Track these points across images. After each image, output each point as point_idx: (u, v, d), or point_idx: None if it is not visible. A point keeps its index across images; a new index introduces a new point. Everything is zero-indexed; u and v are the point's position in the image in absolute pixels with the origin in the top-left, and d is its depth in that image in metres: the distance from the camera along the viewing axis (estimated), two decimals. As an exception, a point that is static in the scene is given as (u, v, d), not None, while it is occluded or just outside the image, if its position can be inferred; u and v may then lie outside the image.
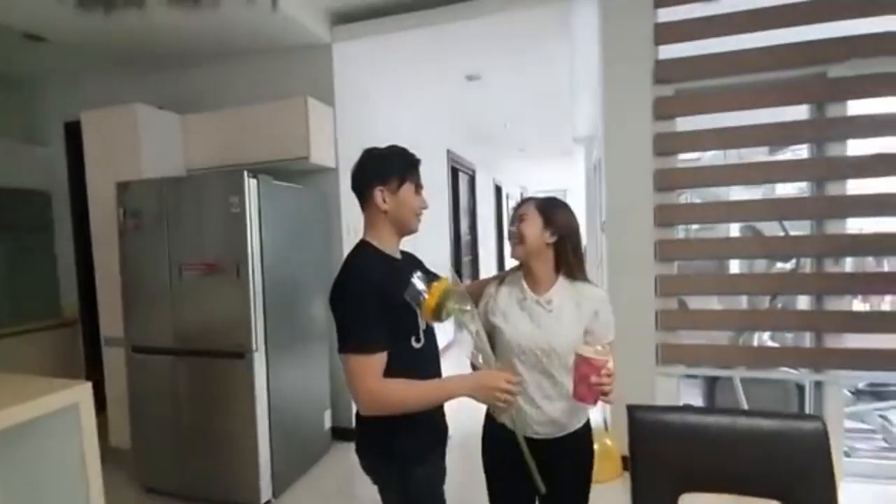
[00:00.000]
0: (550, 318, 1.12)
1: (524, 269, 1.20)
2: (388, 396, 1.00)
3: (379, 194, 1.08)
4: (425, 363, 1.10)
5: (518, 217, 1.17)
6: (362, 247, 1.11)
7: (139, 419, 2.30)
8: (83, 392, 1.43)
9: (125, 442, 2.40)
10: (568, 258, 1.14)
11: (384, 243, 1.11)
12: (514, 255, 1.18)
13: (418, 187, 1.13)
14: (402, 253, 1.19)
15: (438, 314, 0.99)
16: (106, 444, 2.63)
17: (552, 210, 1.15)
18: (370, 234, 1.12)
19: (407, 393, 1.00)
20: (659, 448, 1.06)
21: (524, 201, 1.20)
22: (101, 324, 2.65)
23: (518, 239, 1.15)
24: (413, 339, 1.07)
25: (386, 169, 1.10)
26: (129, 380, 2.31)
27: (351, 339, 0.99)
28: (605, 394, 1.00)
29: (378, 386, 0.99)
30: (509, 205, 9.97)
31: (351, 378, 1.00)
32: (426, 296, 0.98)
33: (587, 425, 1.22)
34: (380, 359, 1.00)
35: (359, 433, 1.15)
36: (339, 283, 1.04)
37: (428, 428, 1.13)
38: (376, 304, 0.99)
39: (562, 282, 1.14)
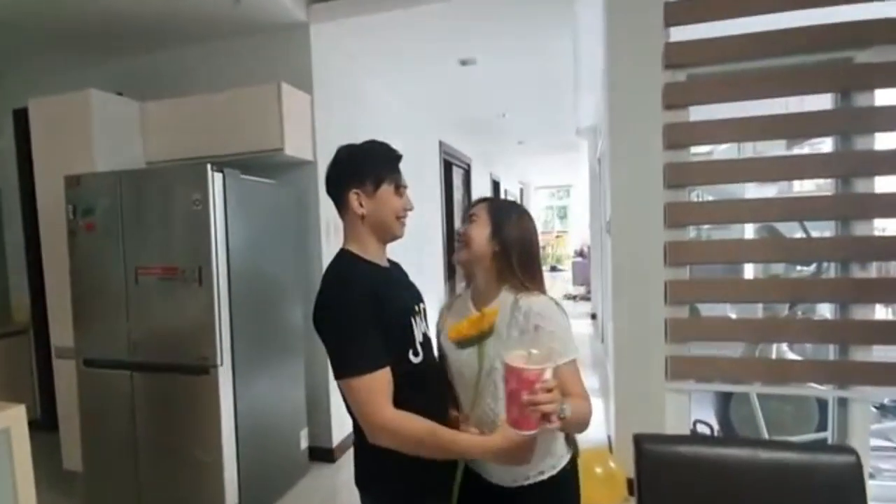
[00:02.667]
0: (490, 337, 1.04)
1: (469, 277, 1.14)
2: (404, 430, 0.93)
3: (354, 198, 1.04)
4: (428, 380, 1.05)
5: (469, 217, 1.11)
6: (343, 256, 1.06)
7: (92, 441, 2.22)
8: (15, 416, 1.34)
9: (81, 465, 2.31)
10: (513, 271, 1.06)
11: (368, 251, 1.06)
12: (456, 258, 1.12)
13: (399, 187, 1.08)
14: (389, 261, 1.15)
15: (471, 342, 1.00)
16: (59, 468, 2.56)
17: (505, 217, 1.09)
18: (351, 242, 1.07)
19: (425, 433, 0.93)
20: (670, 484, 1.00)
21: (479, 201, 1.15)
22: (52, 333, 2.55)
23: (464, 242, 1.09)
24: (411, 352, 1.02)
25: (360, 169, 1.05)
26: (81, 396, 2.23)
27: (350, 361, 0.94)
28: (546, 416, 0.81)
29: (392, 415, 0.93)
30: (508, 201, 9.91)
31: (360, 405, 0.94)
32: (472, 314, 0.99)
33: (566, 475, 1.05)
34: (386, 376, 0.95)
35: (355, 465, 1.10)
36: (324, 301, 0.99)
37: (433, 470, 1.04)
38: (370, 317, 0.94)
39: (505, 294, 1.06)
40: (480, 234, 1.07)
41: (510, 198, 10.32)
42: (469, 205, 1.16)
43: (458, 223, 5.78)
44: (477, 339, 1.03)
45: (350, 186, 1.04)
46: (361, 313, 0.94)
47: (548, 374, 0.81)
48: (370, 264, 1.05)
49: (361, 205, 1.04)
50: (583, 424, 0.97)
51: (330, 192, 1.09)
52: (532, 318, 0.99)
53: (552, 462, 1.05)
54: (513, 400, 0.81)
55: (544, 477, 1.04)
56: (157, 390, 2.09)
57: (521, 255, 1.07)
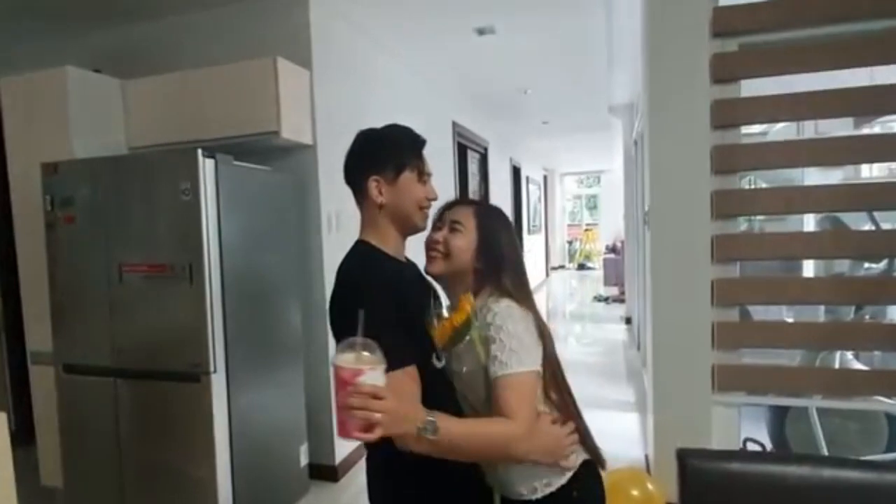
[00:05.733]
0: (462, 348, 1.06)
1: (445, 287, 1.15)
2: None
3: (374, 185, 1.08)
4: (452, 389, 1.08)
5: (449, 224, 1.10)
6: (362, 248, 1.10)
7: (73, 454, 2.30)
8: (-5, 425, 1.39)
9: (60, 480, 2.39)
10: (501, 287, 1.06)
11: (388, 244, 1.11)
12: (428, 270, 1.11)
13: (423, 175, 1.13)
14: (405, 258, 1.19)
15: (459, 337, 0.99)
16: (36, 484, 2.65)
17: (494, 231, 1.10)
18: (369, 234, 1.12)
19: (467, 430, 0.96)
20: (718, 505, 1.02)
21: (458, 203, 1.15)
22: (28, 336, 2.64)
23: (442, 252, 1.08)
24: (434, 357, 1.05)
25: (380, 154, 1.10)
26: (61, 406, 2.31)
27: (387, 354, 0.94)
28: (371, 424, 0.82)
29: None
30: (530, 190, 9.92)
31: None
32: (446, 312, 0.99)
33: (570, 493, 1.05)
34: (416, 373, 0.98)
35: (369, 482, 1.13)
36: (345, 295, 1.03)
37: (462, 487, 1.07)
38: (395, 314, 0.98)
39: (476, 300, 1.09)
40: (465, 246, 1.08)
41: (532, 186, 10.32)
42: (443, 207, 1.14)
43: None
44: (464, 328, 1.02)
45: (369, 173, 1.08)
46: (387, 309, 0.97)
47: (366, 378, 0.82)
48: (391, 259, 1.09)
49: (381, 193, 1.08)
50: (482, 450, 0.96)
51: (348, 179, 1.14)
52: (485, 328, 1.01)
53: (544, 482, 1.05)
54: (337, 401, 0.85)
55: (537, 496, 1.05)
56: (144, 399, 2.15)
57: (514, 272, 1.09)
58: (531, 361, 0.98)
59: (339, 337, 1.03)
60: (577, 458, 1.08)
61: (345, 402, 0.81)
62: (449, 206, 1.14)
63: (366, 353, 0.86)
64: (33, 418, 2.68)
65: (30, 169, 2.40)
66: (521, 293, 1.07)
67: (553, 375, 1.07)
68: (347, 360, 0.84)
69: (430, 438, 0.87)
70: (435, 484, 1.03)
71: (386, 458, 1.01)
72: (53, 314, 2.30)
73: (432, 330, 1.02)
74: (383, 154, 1.09)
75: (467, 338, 1.00)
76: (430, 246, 1.11)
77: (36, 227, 2.41)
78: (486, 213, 1.13)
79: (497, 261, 1.08)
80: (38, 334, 2.54)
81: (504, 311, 1.01)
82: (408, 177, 1.10)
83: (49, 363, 2.38)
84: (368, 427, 0.81)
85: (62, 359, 2.28)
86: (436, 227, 1.13)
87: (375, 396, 0.82)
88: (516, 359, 0.96)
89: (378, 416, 0.81)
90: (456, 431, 0.90)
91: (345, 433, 0.83)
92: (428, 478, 1.01)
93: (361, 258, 1.08)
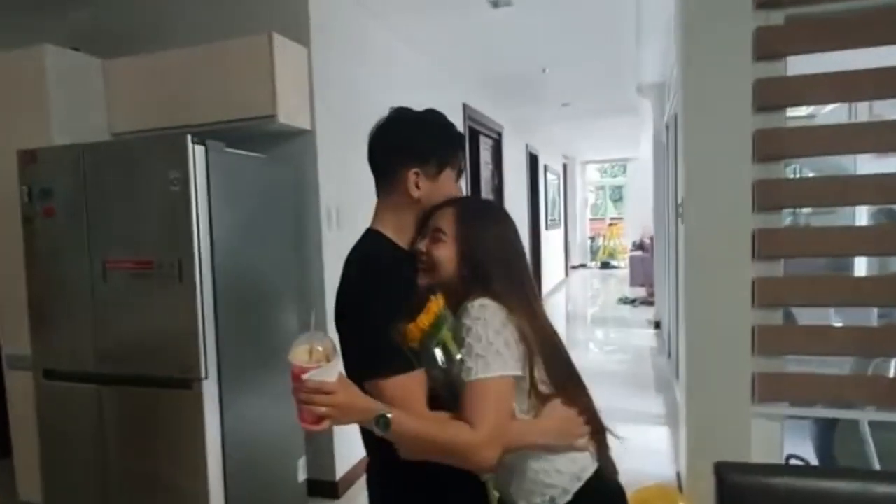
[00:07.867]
0: (447, 322, 1.08)
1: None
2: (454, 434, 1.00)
3: (413, 178, 1.11)
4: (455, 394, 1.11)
5: (431, 232, 1.10)
6: (377, 239, 1.13)
7: (54, 467, 2.34)
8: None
9: (39, 495, 2.44)
10: (492, 292, 1.06)
11: (403, 238, 1.14)
12: (420, 282, 1.12)
13: (460, 173, 1.17)
14: None
15: (430, 339, 1.00)
16: (14, 499, 2.70)
17: (476, 236, 1.09)
18: (386, 224, 1.14)
19: (424, 431, 0.99)
20: (760, 524, 1.03)
21: (440, 207, 1.14)
22: (3, 339, 2.69)
23: (427, 264, 1.09)
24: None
25: (426, 145, 1.13)
26: (40, 414, 2.34)
27: (388, 358, 1.00)
28: (322, 417, 0.93)
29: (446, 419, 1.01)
30: (547, 179, 9.91)
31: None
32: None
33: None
34: (423, 377, 1.02)
35: (372, 497, 1.17)
36: (359, 290, 1.06)
37: (463, 488, 1.09)
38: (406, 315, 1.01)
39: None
40: (449, 255, 1.08)
41: (551, 176, 10.30)
42: (429, 210, 1.14)
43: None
44: (433, 330, 1.03)
45: (411, 163, 1.10)
46: (401, 309, 1.00)
47: (315, 374, 0.93)
48: (406, 254, 1.12)
49: (418, 187, 1.11)
50: (438, 454, 0.98)
51: (378, 161, 1.15)
52: (458, 329, 1.04)
53: (554, 494, 1.07)
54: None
55: None
56: (131, 407, 2.19)
57: (504, 274, 1.09)
58: (499, 366, 0.99)
59: (348, 334, 1.06)
60: (588, 468, 1.09)
61: (296, 396, 0.94)
62: (431, 212, 1.14)
63: (319, 348, 0.95)
64: (9, 428, 2.73)
65: (5, 157, 2.42)
66: (514, 296, 1.08)
67: (551, 375, 1.08)
68: (298, 354, 0.95)
69: (381, 434, 0.94)
70: (436, 488, 1.05)
71: (386, 462, 1.04)
72: (32, 315, 2.33)
73: (401, 332, 1.03)
74: (429, 145, 1.12)
75: (440, 338, 1.02)
76: (415, 257, 1.12)
77: (13, 220, 2.43)
78: (468, 215, 1.13)
79: (482, 266, 1.08)
80: (16, 337, 2.58)
81: (475, 311, 1.03)
82: (448, 175, 1.14)
83: (27, 368, 2.42)
84: (317, 419, 0.93)
85: (41, 364, 2.32)
86: (421, 236, 1.13)
87: (322, 392, 0.91)
88: (482, 364, 0.99)
89: (323, 409, 0.92)
90: (410, 430, 0.95)
91: (301, 421, 0.96)
92: (429, 482, 1.04)
93: (379, 249, 1.11)
